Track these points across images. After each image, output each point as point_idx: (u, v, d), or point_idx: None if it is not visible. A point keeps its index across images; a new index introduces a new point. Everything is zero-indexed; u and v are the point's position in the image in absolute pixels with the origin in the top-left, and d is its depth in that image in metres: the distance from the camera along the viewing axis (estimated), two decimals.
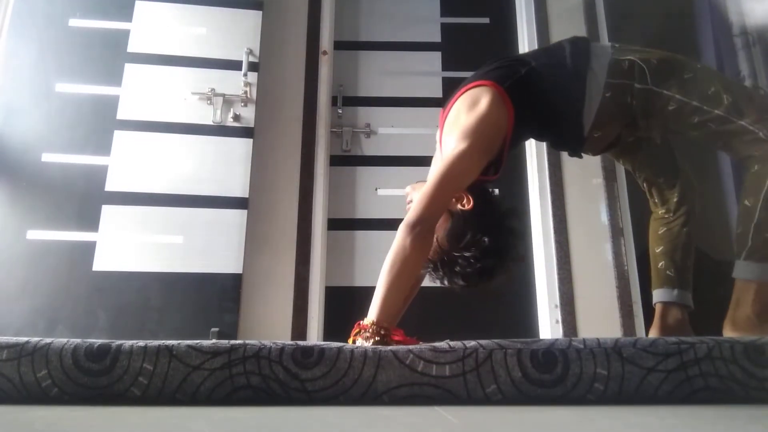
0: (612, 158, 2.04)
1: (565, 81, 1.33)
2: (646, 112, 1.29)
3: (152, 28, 2.32)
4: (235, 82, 2.25)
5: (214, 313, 2.01)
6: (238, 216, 2.13)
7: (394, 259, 1.10)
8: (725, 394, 0.82)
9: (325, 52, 2.48)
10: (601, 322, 2.15)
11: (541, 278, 2.26)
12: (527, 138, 1.59)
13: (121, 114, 2.20)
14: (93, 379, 0.84)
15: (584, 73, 1.30)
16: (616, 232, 2.26)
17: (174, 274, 2.03)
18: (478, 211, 1.19)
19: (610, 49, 1.35)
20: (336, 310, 2.22)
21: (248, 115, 2.26)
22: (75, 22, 2.29)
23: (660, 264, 1.47)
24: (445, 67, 2.59)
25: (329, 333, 2.15)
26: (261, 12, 2.36)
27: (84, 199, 2.08)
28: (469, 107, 1.25)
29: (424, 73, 2.59)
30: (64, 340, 0.89)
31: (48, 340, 0.89)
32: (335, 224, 2.36)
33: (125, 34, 2.29)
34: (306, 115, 2.37)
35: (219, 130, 2.22)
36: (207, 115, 2.22)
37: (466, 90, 1.30)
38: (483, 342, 0.88)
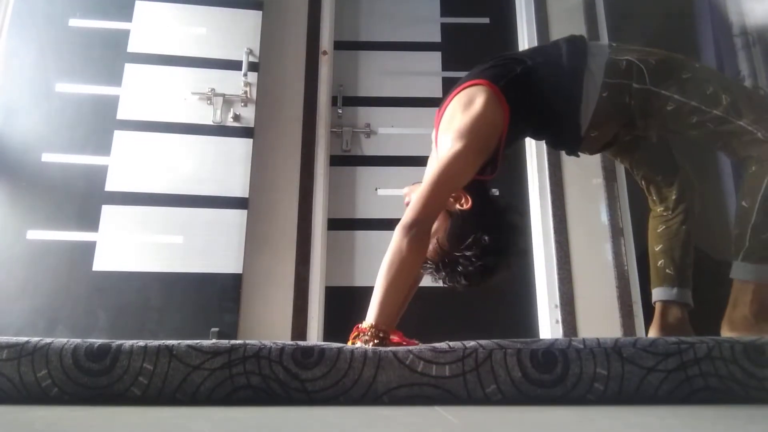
0: (612, 158, 2.05)
1: (562, 80, 1.32)
2: (644, 112, 1.28)
3: (152, 28, 2.32)
4: (235, 82, 2.25)
5: (214, 313, 2.01)
6: (238, 216, 2.13)
7: (391, 261, 1.09)
8: (725, 394, 0.82)
9: (325, 52, 2.48)
10: (601, 322, 2.15)
11: (541, 278, 2.26)
12: (524, 137, 1.59)
13: (121, 114, 2.20)
14: (93, 379, 0.84)
15: (581, 73, 1.30)
16: (616, 232, 2.26)
17: (174, 274, 2.03)
18: (477, 210, 1.19)
19: (608, 48, 1.35)
20: (336, 310, 2.21)
21: (248, 115, 2.26)
22: (75, 22, 2.29)
23: (659, 262, 1.47)
24: (445, 67, 2.59)
25: (329, 333, 2.16)
26: (261, 12, 2.36)
27: (84, 199, 2.08)
28: (464, 107, 1.25)
29: (424, 73, 2.59)
30: (64, 340, 0.89)
31: (48, 340, 0.89)
32: (335, 224, 2.36)
33: (125, 34, 2.29)
34: (306, 115, 2.37)
35: (219, 130, 2.22)
36: (207, 115, 2.22)
37: (461, 89, 1.30)
38: (483, 342, 0.88)
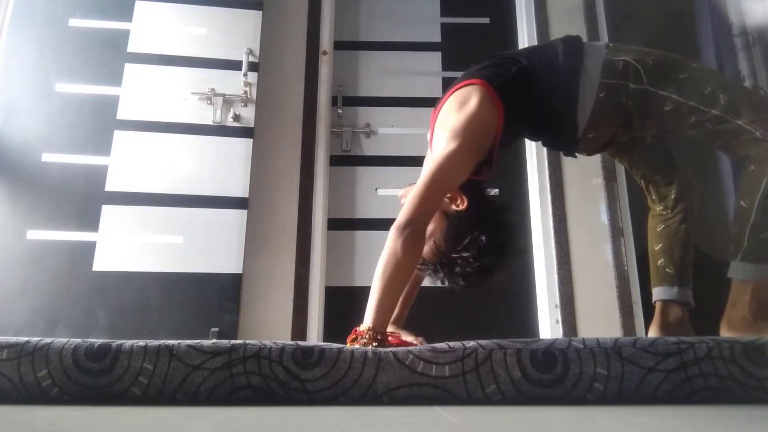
0: (611, 158, 2.05)
1: (558, 80, 1.32)
2: (641, 113, 1.28)
3: (152, 28, 2.32)
4: (235, 82, 2.26)
5: (214, 313, 2.01)
6: (238, 216, 2.13)
7: (386, 262, 1.09)
8: (725, 394, 0.82)
9: (325, 52, 2.48)
10: (601, 322, 2.15)
11: (541, 278, 2.26)
12: (521, 138, 1.58)
13: (121, 114, 2.20)
14: (93, 378, 0.84)
15: (577, 73, 1.29)
16: (616, 232, 2.26)
17: (174, 274, 2.03)
18: (472, 210, 1.19)
19: (604, 48, 1.35)
20: (336, 310, 2.21)
21: (248, 115, 2.26)
22: (75, 22, 2.29)
23: (659, 262, 1.47)
24: (445, 67, 2.59)
25: (329, 333, 2.16)
26: (261, 12, 2.36)
27: (84, 199, 2.08)
28: (458, 107, 1.25)
29: (424, 73, 2.59)
30: (65, 339, 0.89)
31: (48, 339, 0.89)
32: (335, 224, 2.36)
33: (125, 34, 2.29)
34: (306, 115, 2.37)
35: (219, 130, 2.22)
36: (207, 115, 2.22)
37: (456, 89, 1.30)
38: (482, 342, 0.88)
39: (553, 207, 2.31)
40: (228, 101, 2.25)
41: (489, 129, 1.24)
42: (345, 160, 2.46)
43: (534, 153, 2.42)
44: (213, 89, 2.23)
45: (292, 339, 2.02)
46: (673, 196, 1.47)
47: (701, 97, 1.23)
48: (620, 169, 2.33)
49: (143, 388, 0.83)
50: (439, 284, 1.22)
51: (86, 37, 2.27)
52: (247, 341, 0.88)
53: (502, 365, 0.85)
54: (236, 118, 2.23)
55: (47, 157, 2.12)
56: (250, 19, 2.35)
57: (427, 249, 1.18)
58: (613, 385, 0.83)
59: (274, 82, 2.39)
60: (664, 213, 1.48)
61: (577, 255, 2.25)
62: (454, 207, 1.20)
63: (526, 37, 2.55)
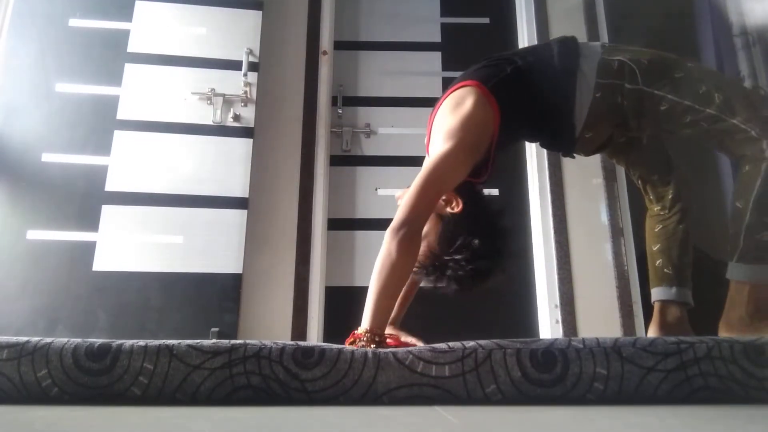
0: (609, 159, 2.04)
1: (554, 81, 1.32)
2: (637, 113, 1.28)
3: (152, 28, 2.32)
4: (235, 82, 2.26)
5: (214, 313, 2.01)
6: (238, 216, 2.13)
7: (381, 264, 1.08)
8: (724, 394, 0.82)
9: (325, 52, 2.48)
10: (601, 322, 2.15)
11: (541, 278, 2.26)
12: (518, 139, 1.58)
13: (121, 114, 2.20)
14: (93, 378, 0.84)
15: (574, 74, 1.29)
16: (616, 232, 2.26)
17: (174, 274, 2.03)
18: (467, 213, 1.19)
19: (600, 48, 1.35)
20: (336, 310, 2.22)
21: (248, 115, 2.26)
22: (75, 22, 2.29)
23: (657, 262, 1.47)
24: (445, 67, 2.59)
25: (329, 333, 2.16)
26: (261, 12, 2.36)
27: (84, 199, 2.09)
28: (453, 108, 1.25)
29: (424, 73, 2.59)
30: (65, 339, 0.89)
31: (48, 339, 0.89)
32: (335, 224, 2.36)
33: (125, 34, 2.29)
34: (306, 115, 2.37)
35: (219, 130, 2.22)
36: (207, 115, 2.22)
37: (452, 92, 1.30)
38: (482, 342, 0.88)
39: (553, 207, 2.31)
40: (228, 101, 2.25)
41: (485, 129, 1.23)
42: (345, 160, 2.46)
43: (534, 153, 2.42)
44: (213, 89, 2.23)
45: (292, 339, 2.02)
46: (670, 196, 1.47)
47: (696, 96, 1.23)
48: (620, 169, 2.33)
49: (143, 387, 0.83)
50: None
51: (86, 37, 2.27)
52: (247, 341, 0.88)
53: (501, 365, 0.85)
54: (236, 118, 2.23)
55: (47, 157, 2.12)
56: (250, 19, 2.35)
57: (421, 251, 1.17)
58: (613, 385, 0.83)
59: (274, 82, 2.39)
60: (662, 213, 1.48)
61: (577, 255, 2.25)
62: (449, 209, 1.20)
63: (526, 37, 2.55)
